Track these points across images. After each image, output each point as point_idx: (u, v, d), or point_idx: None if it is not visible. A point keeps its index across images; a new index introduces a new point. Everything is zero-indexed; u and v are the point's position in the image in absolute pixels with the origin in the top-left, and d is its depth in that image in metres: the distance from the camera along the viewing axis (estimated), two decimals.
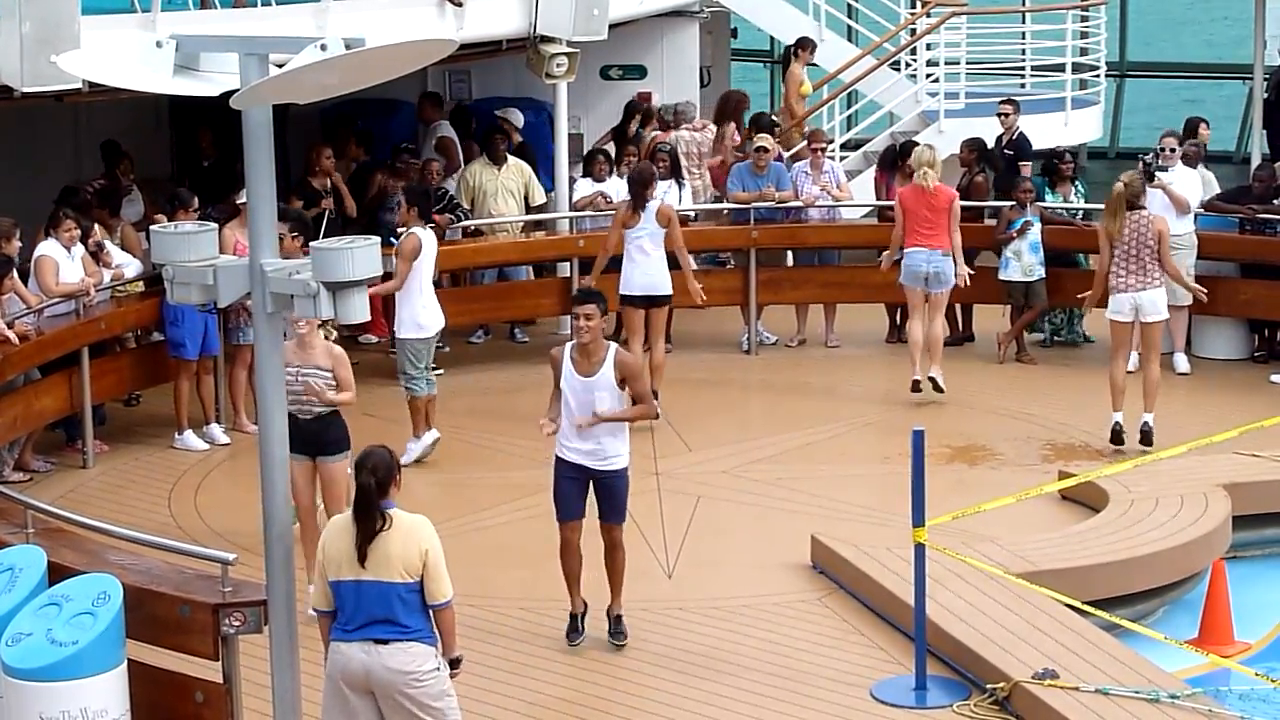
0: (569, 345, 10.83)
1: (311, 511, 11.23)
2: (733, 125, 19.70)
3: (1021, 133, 18.54)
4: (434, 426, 14.34)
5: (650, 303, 15.34)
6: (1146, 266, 14.25)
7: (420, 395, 14.25)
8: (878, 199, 17.94)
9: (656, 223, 15.24)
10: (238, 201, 14.38)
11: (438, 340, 17.50)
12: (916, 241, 15.69)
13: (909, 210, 15.74)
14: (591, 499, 10.90)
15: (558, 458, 10.87)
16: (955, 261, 15.67)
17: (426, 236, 14.32)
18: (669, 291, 15.34)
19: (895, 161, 17.97)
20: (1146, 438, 14.31)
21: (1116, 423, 14.47)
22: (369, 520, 8.26)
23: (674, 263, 15.39)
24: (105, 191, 15.93)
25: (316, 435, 11.26)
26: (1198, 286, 15.14)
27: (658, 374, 15.23)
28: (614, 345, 10.86)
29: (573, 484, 10.82)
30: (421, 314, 14.28)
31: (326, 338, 11.50)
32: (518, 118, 18.99)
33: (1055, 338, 17.75)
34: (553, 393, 10.97)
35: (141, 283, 14.97)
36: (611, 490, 10.82)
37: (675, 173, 17.84)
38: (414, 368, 14.23)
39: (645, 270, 15.24)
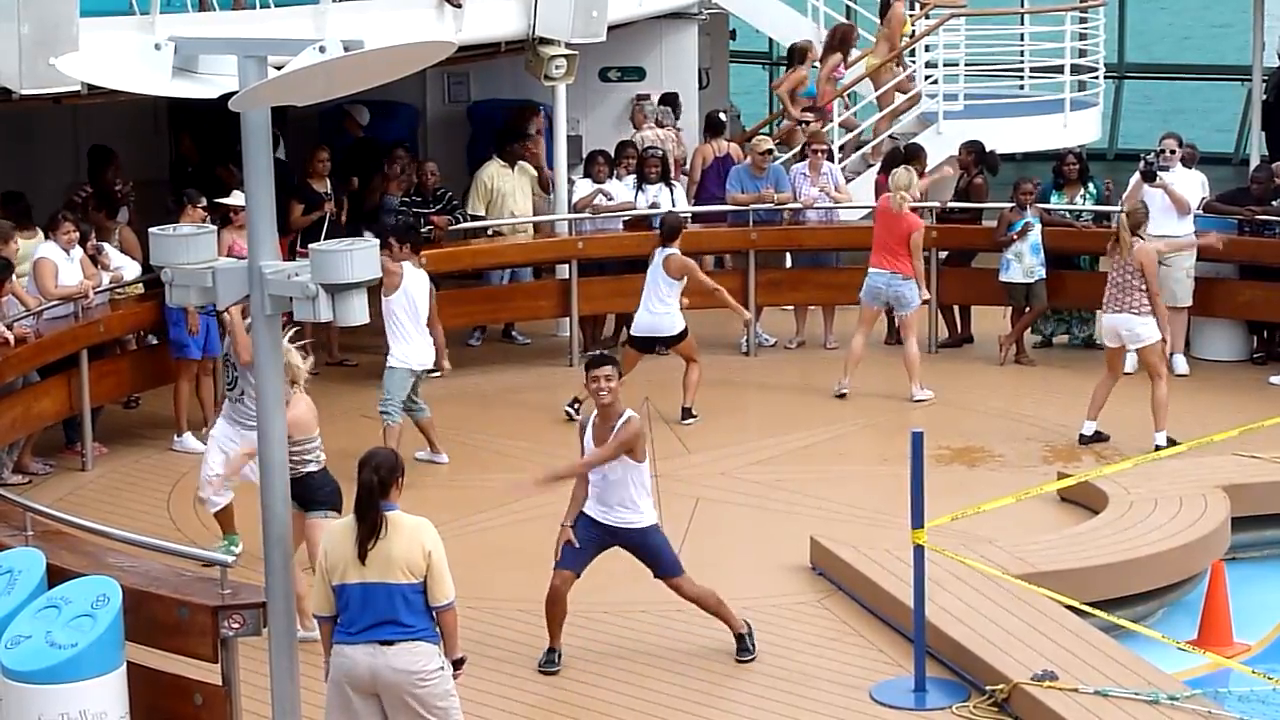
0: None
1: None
2: (839, 55, 19.92)
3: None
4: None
5: (662, 344, 15.61)
6: (1128, 293, 14.39)
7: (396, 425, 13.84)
8: (877, 200, 17.91)
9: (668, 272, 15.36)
10: (233, 206, 14.40)
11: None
12: (878, 263, 15.98)
13: (877, 224, 16.06)
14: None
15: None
16: (919, 286, 15.97)
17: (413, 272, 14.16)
18: (672, 331, 15.44)
19: (899, 164, 18.00)
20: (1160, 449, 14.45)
21: (1082, 433, 14.66)
22: (369, 518, 8.26)
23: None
24: (103, 194, 15.91)
25: (300, 498, 10.32)
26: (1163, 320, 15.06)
27: (691, 391, 15.55)
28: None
29: (585, 535, 10.70)
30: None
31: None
32: (363, 115, 18.87)
33: (1065, 335, 17.76)
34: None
35: (140, 285, 14.96)
36: (644, 548, 10.69)
37: (665, 176, 17.85)
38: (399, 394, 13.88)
39: (648, 310, 15.38)
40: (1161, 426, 14.41)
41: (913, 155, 18.08)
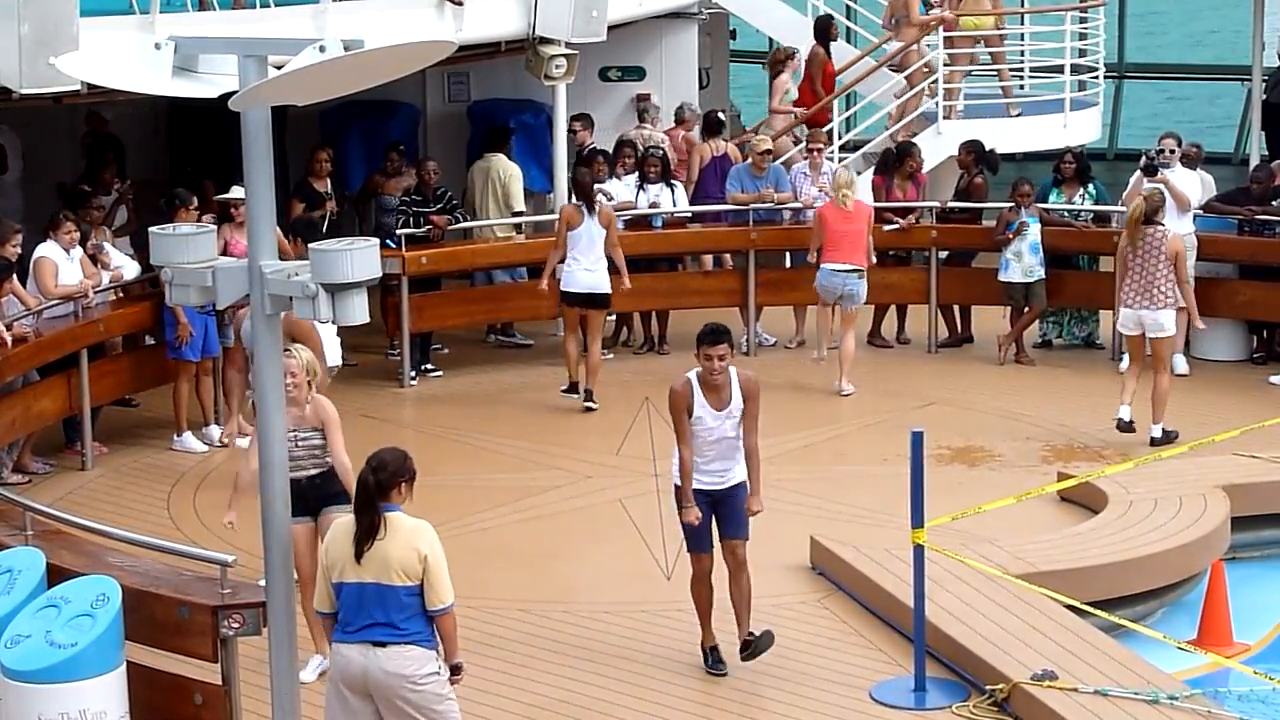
0: (694, 378, 10.44)
1: (313, 579, 9.72)
2: None
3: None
4: None
5: (589, 302, 15.76)
6: (1154, 285, 14.47)
7: None
8: (875, 201, 17.95)
9: (599, 224, 15.65)
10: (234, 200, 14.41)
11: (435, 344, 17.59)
12: (833, 258, 16.17)
13: (828, 227, 16.20)
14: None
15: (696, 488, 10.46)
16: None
17: None
18: (608, 290, 15.78)
19: (893, 164, 18.05)
20: (1156, 443, 14.43)
21: (1119, 419, 14.66)
22: (364, 517, 8.26)
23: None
24: (95, 193, 15.90)
25: (319, 491, 10.47)
26: (1195, 313, 15.19)
27: (593, 374, 15.78)
28: (733, 370, 10.48)
29: (706, 520, 10.46)
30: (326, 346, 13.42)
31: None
32: (109, 111, 18.60)
33: (1060, 337, 17.78)
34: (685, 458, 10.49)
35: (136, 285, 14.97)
36: (732, 503, 10.47)
37: (666, 175, 17.87)
38: None
39: (587, 269, 15.65)
40: (1159, 420, 14.49)
41: (905, 153, 18.15)
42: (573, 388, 15.87)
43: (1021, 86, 22.62)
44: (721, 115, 19.25)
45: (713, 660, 10.64)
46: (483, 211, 18.11)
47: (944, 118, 19.92)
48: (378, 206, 17.73)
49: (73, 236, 14.27)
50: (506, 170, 18.00)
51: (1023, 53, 23.10)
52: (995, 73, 21.09)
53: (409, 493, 8.42)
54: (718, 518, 10.50)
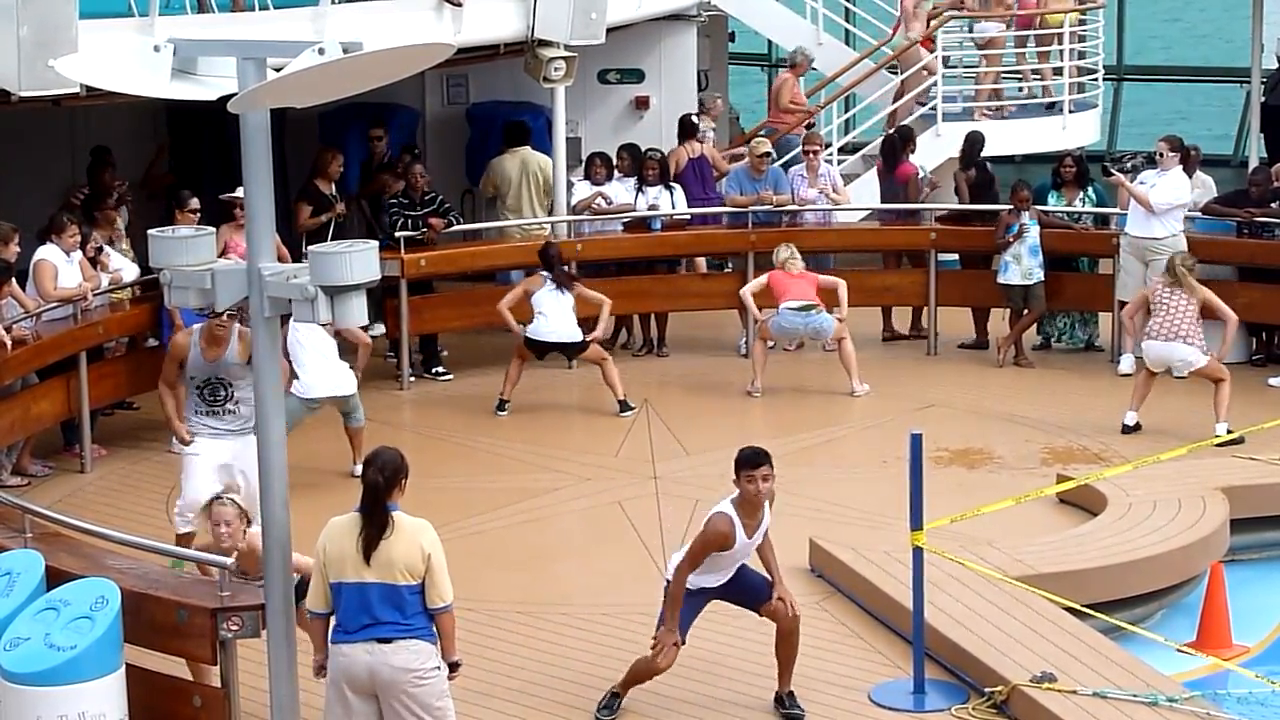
0: (732, 510, 9.84)
1: None
2: None
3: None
4: None
5: (565, 350, 16.03)
6: (1180, 322, 14.76)
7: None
8: (909, 188, 18.01)
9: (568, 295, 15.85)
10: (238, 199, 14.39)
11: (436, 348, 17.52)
12: (789, 299, 16.09)
13: (777, 287, 16.23)
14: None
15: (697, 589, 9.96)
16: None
17: None
18: (579, 339, 15.88)
19: (899, 149, 18.12)
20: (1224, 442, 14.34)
21: (1125, 424, 14.90)
22: (376, 518, 8.27)
23: None
24: (103, 195, 15.89)
25: None
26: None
27: (616, 388, 15.79)
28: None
29: (696, 612, 10.04)
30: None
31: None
32: None
33: (1063, 341, 17.77)
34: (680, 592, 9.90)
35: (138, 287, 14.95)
36: (743, 580, 10.04)
37: (664, 179, 17.86)
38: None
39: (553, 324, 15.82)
40: (1223, 418, 14.60)
41: (905, 138, 18.26)
42: (502, 404, 15.82)
43: (1020, 88, 22.63)
44: (695, 119, 19.21)
45: (608, 701, 10.17)
46: (520, 204, 18.13)
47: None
48: (378, 206, 17.70)
49: (75, 240, 14.26)
50: (542, 162, 18.03)
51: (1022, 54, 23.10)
52: (1019, 73, 21.23)
53: (404, 489, 8.45)
54: (740, 600, 10.14)
